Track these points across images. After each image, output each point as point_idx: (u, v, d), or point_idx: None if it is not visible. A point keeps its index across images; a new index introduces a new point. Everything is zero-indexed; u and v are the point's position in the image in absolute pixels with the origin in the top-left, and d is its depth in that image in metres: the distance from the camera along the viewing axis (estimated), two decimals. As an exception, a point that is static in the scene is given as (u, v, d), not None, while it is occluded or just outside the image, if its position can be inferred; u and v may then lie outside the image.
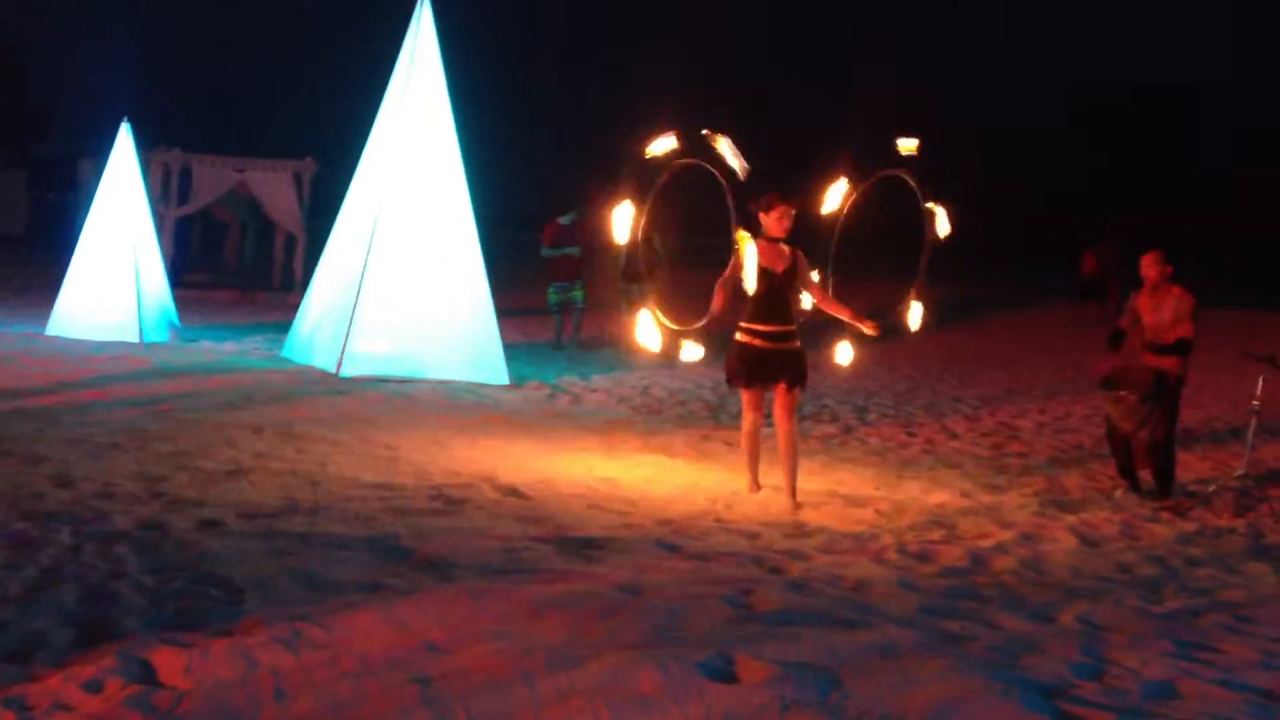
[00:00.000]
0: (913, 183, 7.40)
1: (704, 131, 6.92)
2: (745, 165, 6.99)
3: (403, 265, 11.21)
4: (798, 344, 7.36)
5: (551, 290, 14.59)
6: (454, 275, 11.36)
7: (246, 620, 4.43)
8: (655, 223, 14.55)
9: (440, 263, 11.32)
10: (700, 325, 7.14)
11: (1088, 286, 23.90)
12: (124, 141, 13.38)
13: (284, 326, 13.23)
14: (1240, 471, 8.00)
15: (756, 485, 7.43)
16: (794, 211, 7.32)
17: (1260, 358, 8.06)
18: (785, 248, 7.33)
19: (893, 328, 7.85)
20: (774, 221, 7.29)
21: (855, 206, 7.51)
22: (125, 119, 13.44)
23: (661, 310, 7.07)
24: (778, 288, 7.26)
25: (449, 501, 6.55)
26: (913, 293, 7.58)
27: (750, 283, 7.02)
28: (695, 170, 6.96)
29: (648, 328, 7.05)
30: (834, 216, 7.53)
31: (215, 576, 4.98)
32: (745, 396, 7.43)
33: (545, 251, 14.59)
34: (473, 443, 8.39)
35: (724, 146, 6.96)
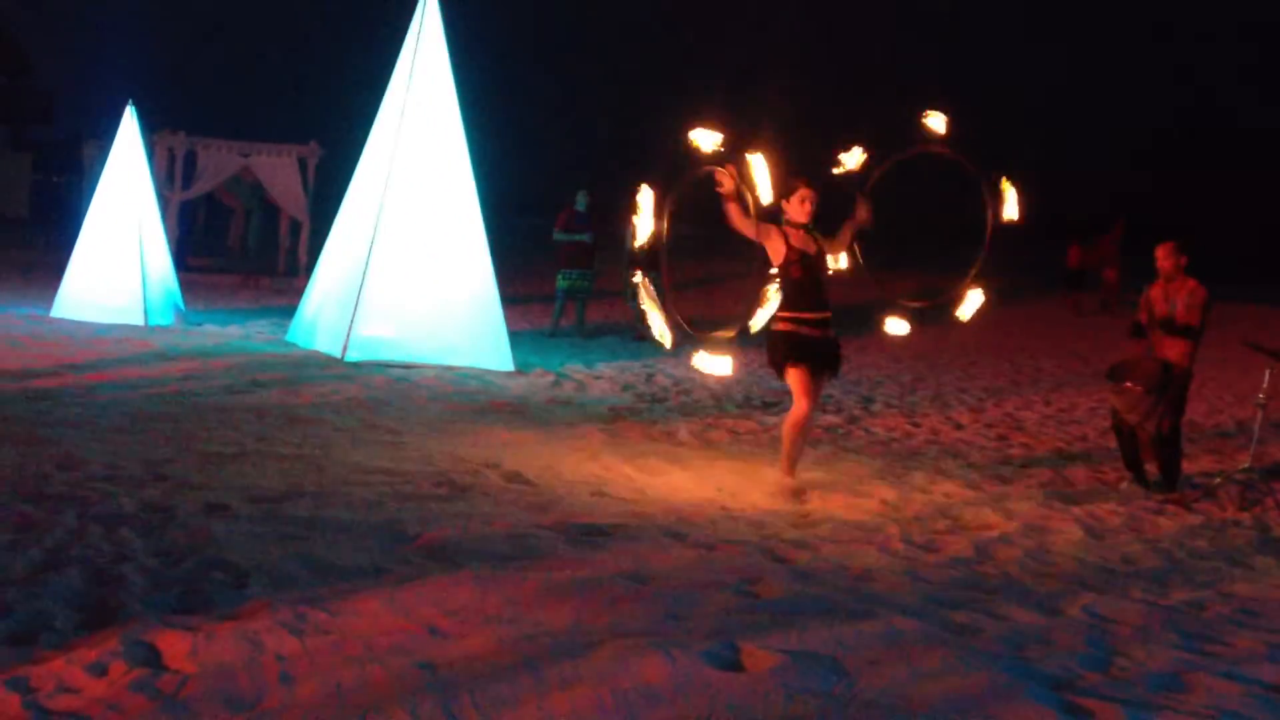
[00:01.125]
0: (964, 161, 7.09)
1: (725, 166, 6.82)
2: (770, 192, 6.90)
3: (408, 250, 11.19)
4: (834, 333, 7.32)
5: (561, 276, 14.58)
6: (459, 261, 11.33)
7: (251, 604, 4.42)
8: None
9: (445, 248, 11.29)
10: (732, 333, 6.93)
11: (1073, 278, 24.10)
12: (129, 124, 13.36)
13: (289, 311, 13.23)
14: (1246, 465, 7.98)
15: (792, 475, 7.26)
16: (816, 195, 7.19)
17: (1267, 351, 8.04)
18: (809, 235, 7.21)
19: (934, 315, 7.72)
20: (796, 206, 7.18)
21: (885, 180, 7.24)
22: (130, 101, 13.41)
23: (659, 301, 6.94)
24: (814, 272, 7.15)
25: (454, 487, 6.54)
26: (970, 278, 7.22)
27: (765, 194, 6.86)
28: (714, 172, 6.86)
29: (659, 324, 6.90)
30: (853, 175, 7.21)
31: (220, 560, 4.97)
32: (798, 383, 7.16)
33: (557, 235, 14.58)
34: (478, 429, 8.38)
35: (757, 166, 6.85)
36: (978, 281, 7.27)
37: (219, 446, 7.15)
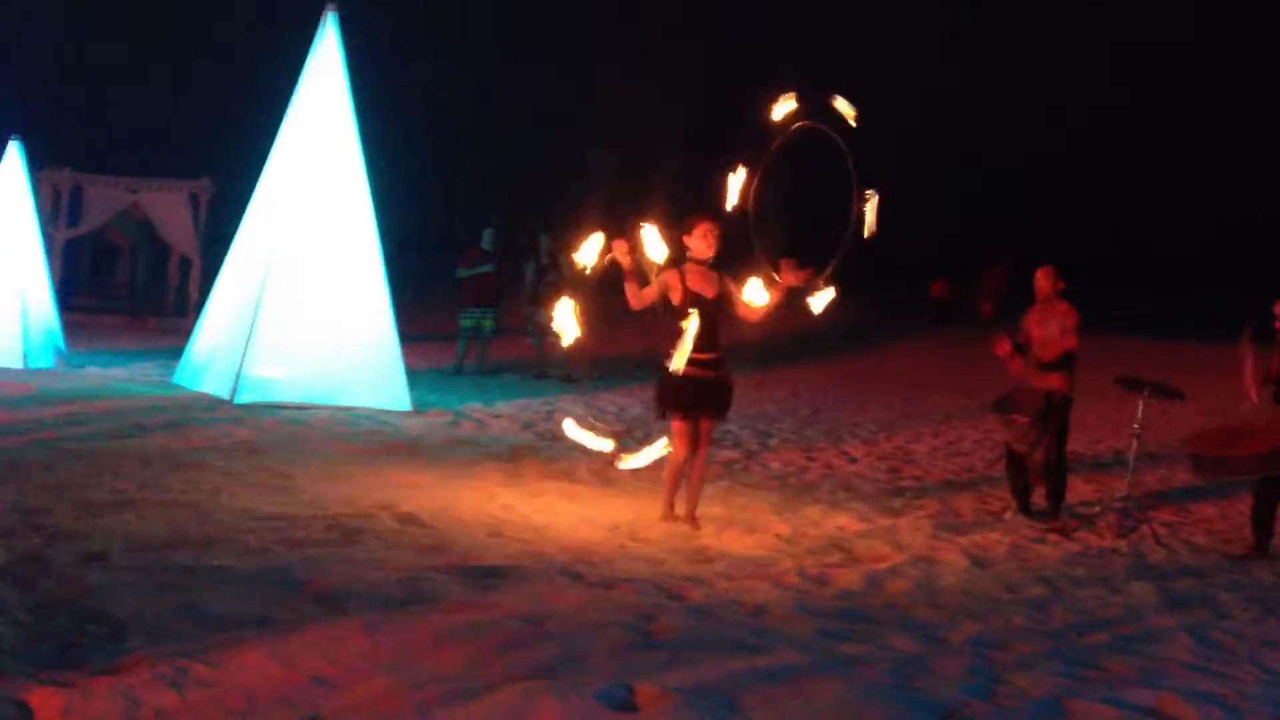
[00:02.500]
0: (840, 143, 6.93)
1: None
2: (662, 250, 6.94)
3: (302, 288, 11.03)
4: (728, 373, 7.33)
5: (464, 315, 14.50)
6: (356, 299, 11.20)
7: (130, 658, 4.29)
8: (568, 244, 14.65)
9: (341, 286, 11.16)
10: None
11: (938, 311, 25.13)
12: (12, 160, 12.96)
13: (177, 352, 12.91)
14: (1123, 494, 8.25)
15: (671, 513, 7.36)
16: (719, 230, 7.12)
17: (1137, 384, 8.35)
18: (713, 271, 7.19)
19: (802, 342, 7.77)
20: (698, 241, 7.13)
21: (770, 173, 7.07)
22: (15, 137, 13.04)
23: (572, 336, 7.04)
24: (709, 313, 7.10)
25: (345, 532, 6.43)
26: (824, 277, 7.13)
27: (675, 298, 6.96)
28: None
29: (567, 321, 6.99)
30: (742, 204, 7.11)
31: (97, 612, 4.81)
32: (677, 427, 7.27)
33: (460, 273, 14.51)
34: (372, 471, 8.27)
35: (647, 233, 6.95)
36: (831, 280, 7.16)
37: (99, 494, 6.94)
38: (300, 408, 10.58)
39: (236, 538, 6.10)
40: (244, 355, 10.78)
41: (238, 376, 10.74)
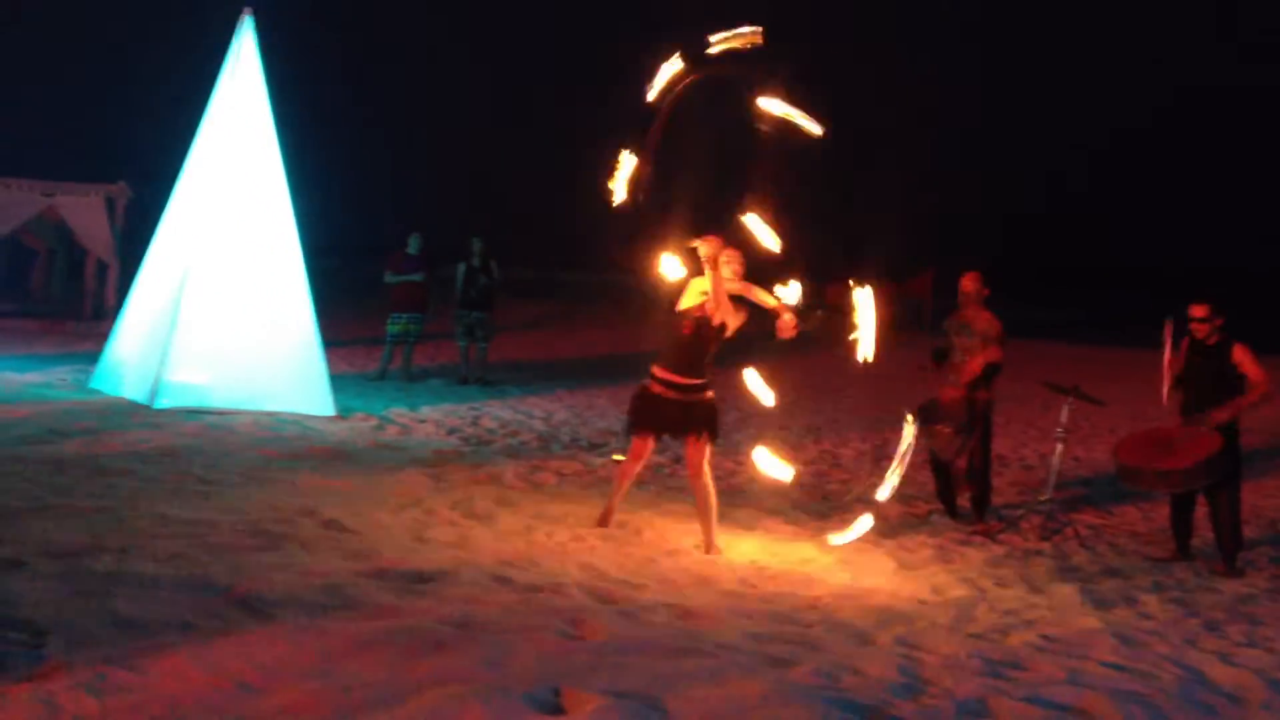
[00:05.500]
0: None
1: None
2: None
3: (222, 292, 10.83)
4: (710, 395, 7.07)
5: (391, 320, 14.35)
6: (277, 303, 11.02)
7: (49, 664, 4.17)
8: (493, 248, 14.55)
9: (262, 290, 10.97)
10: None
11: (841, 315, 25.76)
12: (-80, 161, 12.59)
13: (94, 357, 12.60)
14: (1046, 496, 8.40)
15: (609, 520, 7.31)
16: (738, 253, 6.92)
17: (1062, 390, 8.51)
18: (731, 301, 6.89)
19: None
20: (720, 265, 6.81)
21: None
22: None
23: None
24: (706, 338, 6.93)
25: (268, 537, 6.31)
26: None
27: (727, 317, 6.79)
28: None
29: None
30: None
31: (14, 620, 4.66)
32: (635, 442, 7.18)
33: (388, 278, 14.36)
34: (295, 476, 8.13)
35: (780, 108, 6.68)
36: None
37: (13, 500, 6.73)
38: (221, 413, 10.38)
39: (156, 543, 5.96)
40: (163, 360, 10.55)
41: (157, 381, 10.51)
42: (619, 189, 6.91)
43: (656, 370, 7.06)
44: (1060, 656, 5.40)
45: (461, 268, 14.44)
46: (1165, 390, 7.74)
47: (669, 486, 9.01)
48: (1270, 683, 5.20)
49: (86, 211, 18.66)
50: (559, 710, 4.12)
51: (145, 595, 5.06)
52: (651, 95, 6.81)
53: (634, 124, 7.02)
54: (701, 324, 6.93)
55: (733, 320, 6.97)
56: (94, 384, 11.69)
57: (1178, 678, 5.18)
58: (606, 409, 13.14)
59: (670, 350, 7.04)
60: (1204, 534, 8.01)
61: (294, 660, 4.34)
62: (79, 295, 20.09)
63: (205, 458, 8.49)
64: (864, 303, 6.84)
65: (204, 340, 10.66)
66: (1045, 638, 5.74)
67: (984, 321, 8.32)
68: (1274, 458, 12.21)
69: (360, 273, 23.38)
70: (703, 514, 7.11)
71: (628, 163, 6.87)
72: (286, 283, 11.08)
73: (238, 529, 6.41)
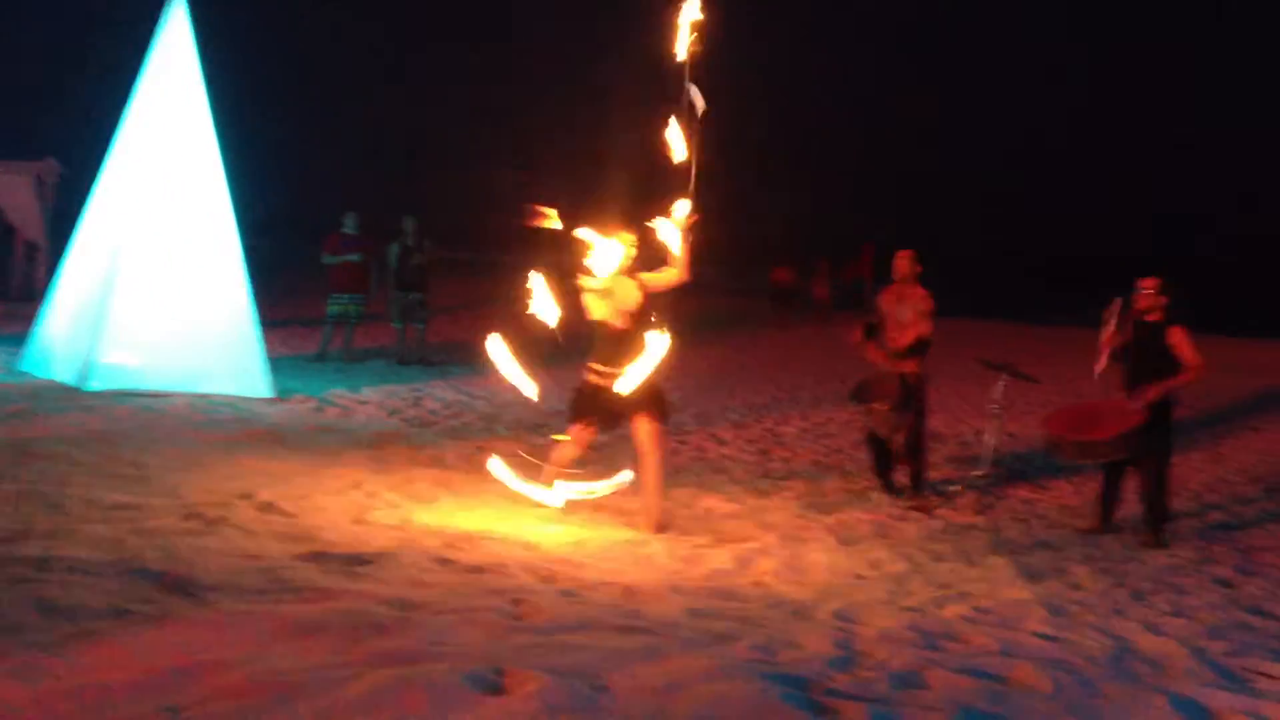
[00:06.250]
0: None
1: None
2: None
3: (155, 272, 10.64)
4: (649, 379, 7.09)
5: (331, 301, 14.20)
6: (211, 282, 10.86)
7: (-24, 653, 4.09)
8: (426, 229, 14.43)
9: (196, 269, 10.80)
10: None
11: (779, 296, 26.12)
12: None
13: (23, 339, 12.34)
14: (981, 472, 8.54)
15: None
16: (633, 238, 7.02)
17: (997, 366, 8.64)
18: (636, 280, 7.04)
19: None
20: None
21: None
22: None
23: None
24: (634, 325, 7.00)
25: (203, 521, 6.24)
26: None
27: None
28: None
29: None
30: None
31: (-60, 608, 4.58)
32: (575, 430, 7.24)
33: (325, 259, 14.20)
34: (232, 459, 8.03)
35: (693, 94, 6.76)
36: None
37: (-61, 486, 6.59)
38: (155, 395, 10.22)
39: (88, 528, 5.86)
40: (94, 341, 10.37)
41: (88, 363, 10.32)
42: (677, 148, 6.91)
43: (592, 365, 7.13)
44: (993, 628, 5.50)
45: (395, 248, 14.30)
46: (1100, 364, 7.89)
47: (613, 466, 9.02)
48: (1194, 650, 5.35)
49: (14, 190, 18.28)
50: (501, 690, 4.12)
51: (77, 581, 4.98)
52: (681, 53, 6.84)
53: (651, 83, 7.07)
54: (624, 317, 7.02)
55: (665, 276, 7.10)
56: (23, 366, 11.45)
57: (1105, 646, 5.30)
58: (550, 388, 13.10)
59: (602, 346, 7.10)
60: (1133, 506, 8.18)
61: (230, 645, 4.29)
62: (8, 275, 19.66)
63: (138, 441, 8.36)
64: (669, 231, 6.96)
65: (136, 321, 10.48)
66: (979, 610, 5.84)
67: (916, 298, 8.43)
68: (1200, 432, 12.51)
69: (298, 252, 23.09)
70: (649, 493, 7.12)
71: (674, 125, 6.91)
72: (221, 262, 10.92)
73: (172, 513, 6.32)
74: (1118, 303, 7.87)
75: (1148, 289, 7.76)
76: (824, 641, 4.99)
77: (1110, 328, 7.83)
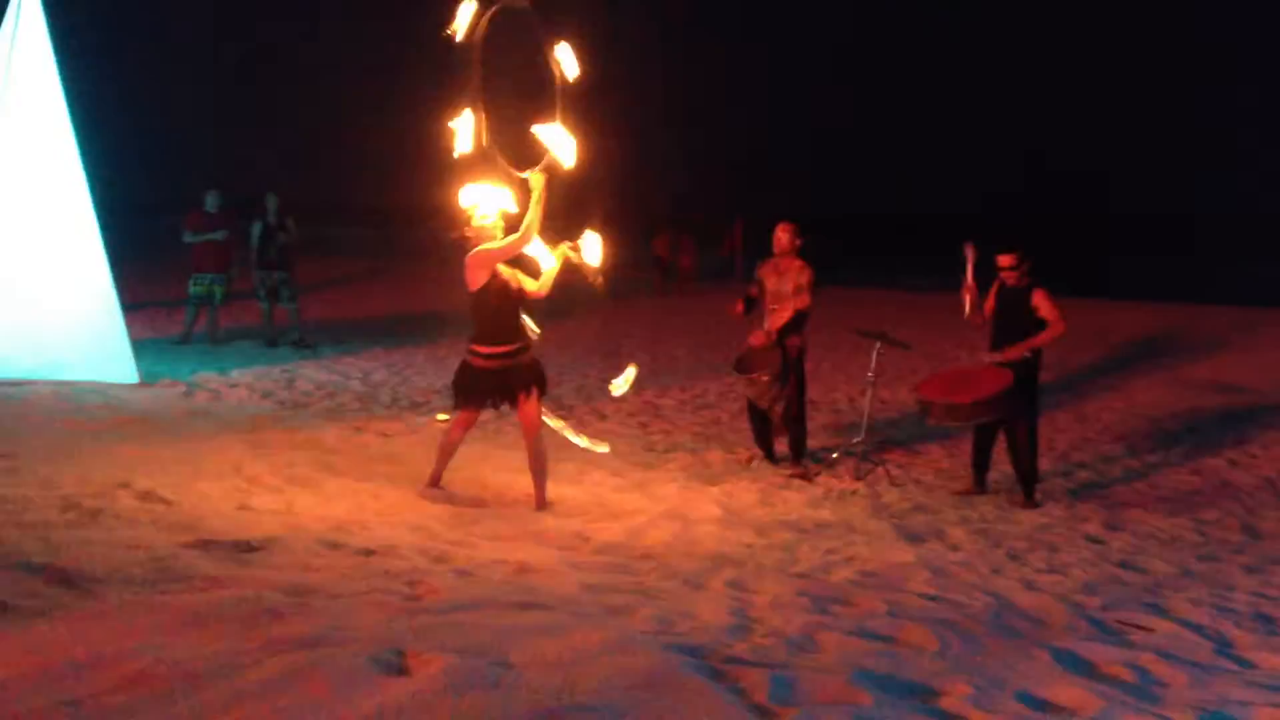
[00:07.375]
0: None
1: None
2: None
3: (8, 258, 10.20)
4: (529, 355, 7.15)
5: (193, 281, 13.78)
6: (69, 267, 10.43)
7: None
8: (289, 206, 14.09)
9: (52, 253, 10.36)
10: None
11: (660, 267, 26.87)
12: None
13: None
14: (859, 438, 8.78)
15: (436, 483, 7.27)
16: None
17: (872, 335, 8.89)
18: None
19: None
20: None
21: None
22: None
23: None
24: (513, 302, 7.03)
25: (82, 512, 6.04)
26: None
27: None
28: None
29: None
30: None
31: None
32: (461, 413, 7.23)
33: (187, 237, 13.75)
34: (103, 447, 7.78)
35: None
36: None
37: None
38: (15, 384, 9.82)
39: (-42, 524, 5.64)
40: (-53, 329, 9.89)
41: (-59, 352, 9.85)
42: (462, 139, 6.91)
43: (475, 347, 7.09)
44: (880, 590, 5.69)
45: (257, 226, 13.91)
46: (967, 311, 8.20)
47: (494, 444, 9.02)
48: (1071, 605, 5.63)
49: None
50: (404, 671, 4.12)
51: (-47, 579, 4.79)
52: (459, 35, 6.81)
53: (442, 65, 7.01)
54: (505, 292, 7.00)
55: (533, 284, 7.16)
56: None
57: (987, 604, 5.54)
58: (425, 366, 13.01)
59: (482, 324, 7.06)
60: (1004, 468, 8.52)
61: (125, 636, 4.19)
62: None
63: (4, 431, 8.03)
64: (590, 246, 7.15)
65: (-8, 307, 10.03)
66: (864, 573, 6.03)
67: (796, 270, 8.57)
68: (1065, 392, 13.06)
69: (158, 231, 22.35)
70: (535, 471, 7.15)
71: (465, 115, 6.90)
72: (79, 244, 10.49)
73: (50, 504, 6.11)
74: (971, 247, 8.16)
75: (1007, 264, 8.06)
76: (719, 610, 5.11)
77: (968, 276, 8.13)
